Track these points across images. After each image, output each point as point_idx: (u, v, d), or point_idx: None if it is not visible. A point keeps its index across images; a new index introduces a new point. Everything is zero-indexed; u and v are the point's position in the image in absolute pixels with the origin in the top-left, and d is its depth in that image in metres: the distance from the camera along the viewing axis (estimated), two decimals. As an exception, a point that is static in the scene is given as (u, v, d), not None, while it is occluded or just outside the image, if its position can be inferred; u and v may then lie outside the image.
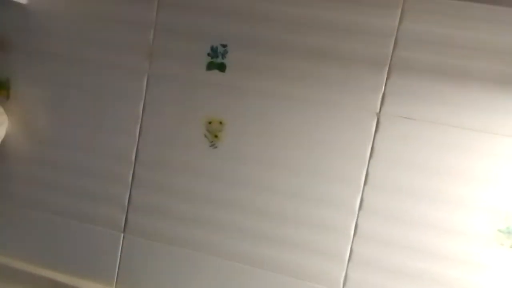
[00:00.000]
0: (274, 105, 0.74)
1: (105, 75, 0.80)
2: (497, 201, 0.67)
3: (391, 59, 0.69)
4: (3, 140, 0.85)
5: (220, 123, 0.76)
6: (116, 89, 0.80)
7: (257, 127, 0.74)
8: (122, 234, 0.82)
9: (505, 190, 0.66)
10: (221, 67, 0.74)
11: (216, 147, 0.76)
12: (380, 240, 0.71)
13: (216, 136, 0.76)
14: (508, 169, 0.66)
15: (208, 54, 0.75)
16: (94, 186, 0.82)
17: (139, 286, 0.82)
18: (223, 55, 0.74)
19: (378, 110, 0.70)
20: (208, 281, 0.79)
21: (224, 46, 0.74)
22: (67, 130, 0.83)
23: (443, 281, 0.69)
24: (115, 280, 0.83)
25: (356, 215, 0.72)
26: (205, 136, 0.76)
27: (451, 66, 0.67)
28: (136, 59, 0.78)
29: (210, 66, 0.75)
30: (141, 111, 0.79)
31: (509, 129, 0.66)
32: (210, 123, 0.76)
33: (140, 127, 0.79)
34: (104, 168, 0.82)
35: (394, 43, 0.68)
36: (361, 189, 0.71)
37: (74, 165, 0.83)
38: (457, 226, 0.68)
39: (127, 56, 0.78)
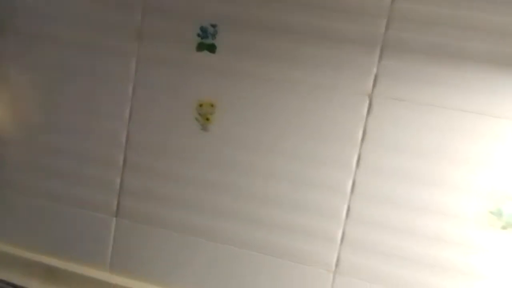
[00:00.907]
0: (266, 87, 0.73)
1: (94, 57, 0.78)
2: (488, 183, 0.66)
3: (383, 40, 0.67)
4: (-8, 125, 0.84)
5: (212, 105, 0.75)
6: (105, 72, 0.78)
7: (249, 110, 0.74)
8: (115, 218, 0.82)
9: (497, 172, 0.66)
10: (211, 48, 0.73)
11: (207, 130, 0.75)
12: (372, 222, 0.71)
13: (207, 119, 0.75)
14: (500, 151, 0.66)
15: (198, 35, 0.73)
16: (85, 171, 0.82)
17: (133, 270, 0.82)
18: (213, 35, 0.73)
19: (370, 92, 0.69)
20: (201, 264, 0.79)
21: (214, 26, 0.72)
22: (57, 114, 0.82)
23: (435, 262, 0.69)
24: (108, 264, 0.83)
25: (348, 198, 0.72)
26: (196, 119, 0.75)
27: (445, 46, 0.66)
28: (125, 40, 0.76)
29: (200, 47, 0.73)
30: (130, 94, 0.78)
31: (504, 111, 0.65)
32: (201, 105, 0.75)
33: (130, 111, 0.78)
34: (95, 152, 0.81)
35: (387, 23, 0.67)
36: (354, 172, 0.71)
37: (65, 150, 0.82)
38: (450, 208, 0.68)
39: (115, 37, 0.77)
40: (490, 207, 0.66)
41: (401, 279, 0.71)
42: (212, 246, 0.78)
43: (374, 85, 0.69)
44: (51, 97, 0.81)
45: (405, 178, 0.69)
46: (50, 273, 0.84)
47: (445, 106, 0.67)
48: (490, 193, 0.66)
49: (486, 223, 0.66)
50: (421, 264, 0.70)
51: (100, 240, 0.83)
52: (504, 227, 0.66)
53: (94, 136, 0.81)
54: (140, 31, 0.76)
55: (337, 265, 0.73)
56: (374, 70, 0.68)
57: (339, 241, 0.73)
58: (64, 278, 0.84)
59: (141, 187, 0.80)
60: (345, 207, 0.72)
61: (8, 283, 0.83)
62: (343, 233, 0.73)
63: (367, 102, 0.69)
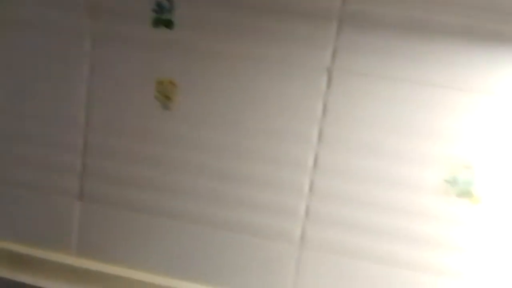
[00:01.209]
0: (226, 63, 0.72)
1: (46, 37, 0.75)
2: (444, 153, 0.68)
3: (341, 13, 0.67)
4: None
5: (172, 83, 0.73)
6: (59, 52, 0.76)
7: (210, 87, 0.73)
8: (78, 202, 0.81)
9: (451, 142, 0.68)
10: (169, 24, 0.71)
11: (169, 109, 0.74)
12: (335, 195, 0.72)
13: (168, 98, 0.74)
14: (453, 122, 0.67)
15: (153, 10, 0.71)
16: (46, 155, 0.80)
17: (99, 253, 0.81)
18: (170, 11, 0.71)
19: (330, 66, 0.69)
20: (167, 245, 0.79)
21: (169, 0, 0.70)
22: (14, 97, 0.79)
23: (396, 232, 0.71)
24: (75, 248, 0.82)
25: (311, 173, 0.73)
26: (156, 98, 0.74)
27: (409, 18, 0.66)
28: (78, 18, 0.74)
29: (157, 23, 0.71)
30: (87, 74, 0.76)
31: (458, 82, 0.67)
32: (161, 84, 0.74)
33: (88, 92, 0.76)
34: (55, 136, 0.79)
35: (344, -4, 0.67)
36: (315, 147, 0.72)
37: (24, 134, 0.80)
38: (408, 179, 0.70)
39: (67, 15, 0.74)
40: (446, 176, 0.68)
41: (365, 250, 0.73)
42: (178, 226, 0.78)
43: (333, 59, 0.69)
44: (5, 79, 0.78)
45: (366, 151, 0.70)
46: (15, 259, 0.83)
47: (405, 79, 0.68)
48: (445, 163, 0.68)
49: (442, 191, 0.69)
50: (383, 234, 0.72)
51: (65, 224, 0.82)
52: (459, 195, 0.68)
53: (53, 120, 0.78)
54: (93, 8, 0.73)
55: (302, 239, 0.75)
56: (333, 43, 0.68)
57: (303, 216, 0.74)
58: (30, 264, 0.82)
59: (104, 169, 0.78)
60: (308, 181, 0.73)
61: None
62: (307, 207, 0.74)
63: (327, 76, 0.69)
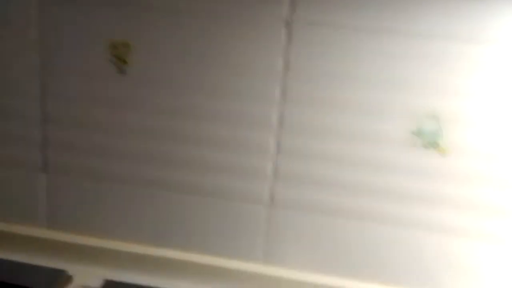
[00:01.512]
0: (183, 22, 0.68)
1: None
2: (410, 103, 0.66)
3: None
4: None
5: (126, 45, 0.70)
6: (2, 15, 0.71)
7: (167, 48, 0.69)
8: (45, 174, 0.79)
9: (417, 92, 0.66)
10: (118, -19, 0.67)
11: (125, 72, 0.71)
12: (302, 153, 0.71)
13: (123, 61, 0.70)
14: (417, 71, 0.65)
15: (97, -34, 0.67)
16: (3, 127, 0.77)
17: (70, 224, 0.80)
18: (115, -34, 0.66)
19: (287, 18, 0.66)
20: (137, 212, 0.78)
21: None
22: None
23: (364, 186, 0.71)
24: (45, 221, 0.81)
25: (276, 131, 0.71)
26: (111, 61, 0.71)
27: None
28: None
29: (102, -20, 0.67)
30: (36, 39, 0.72)
31: (424, 30, 0.64)
32: (114, 46, 0.70)
33: (40, 57, 0.73)
34: (11, 107, 0.76)
35: None
36: (278, 105, 0.69)
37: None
38: (375, 131, 0.68)
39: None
40: (412, 128, 0.67)
41: (336, 206, 0.72)
42: (146, 192, 0.77)
43: (292, 10, 0.65)
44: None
45: (332, 106, 0.68)
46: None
47: (368, 29, 0.64)
48: (411, 114, 0.66)
49: (408, 143, 0.67)
50: (353, 189, 0.71)
51: (34, 198, 0.80)
52: (426, 146, 0.67)
53: (8, 90, 0.75)
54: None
55: (271, 199, 0.74)
56: (290, -6, 0.64)
57: (271, 175, 0.73)
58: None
59: (64, 138, 0.76)
60: (274, 141, 0.71)
61: None
62: (275, 167, 0.73)
63: (286, 30, 0.66)
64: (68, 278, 0.75)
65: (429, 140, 0.67)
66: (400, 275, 0.74)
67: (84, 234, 0.80)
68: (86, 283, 0.74)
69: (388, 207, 0.71)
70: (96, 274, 0.76)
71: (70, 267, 0.77)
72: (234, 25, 0.67)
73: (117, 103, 0.73)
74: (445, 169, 0.68)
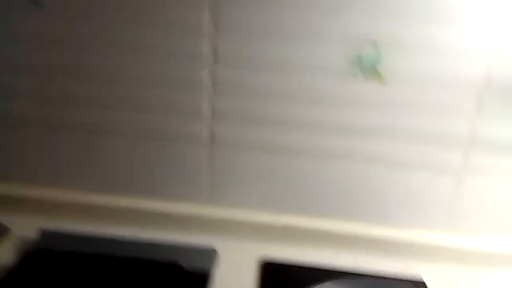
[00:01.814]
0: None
1: None
2: (348, 29, 0.63)
3: None
4: None
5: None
6: None
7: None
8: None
9: (354, 16, 0.62)
10: None
11: (42, 5, 0.64)
12: (239, 90, 0.67)
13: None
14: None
15: None
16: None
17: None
18: None
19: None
20: (79, 159, 0.74)
21: None
22: None
23: (305, 120, 0.68)
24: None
25: (212, 67, 0.67)
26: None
27: None
28: None
29: None
30: None
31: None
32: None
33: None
34: None
35: None
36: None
37: None
38: (313, 62, 0.65)
39: None
40: (351, 56, 0.63)
41: (277, 142, 0.70)
42: (87, 139, 0.73)
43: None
44: None
45: (266, 34, 0.64)
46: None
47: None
48: (349, 40, 0.63)
49: (348, 72, 0.64)
50: (293, 124, 0.69)
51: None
52: (365, 76, 0.64)
53: None
54: None
55: (211, 139, 0.71)
56: None
57: (209, 115, 0.70)
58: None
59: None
60: (210, 76, 0.67)
61: None
62: (212, 106, 0.69)
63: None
64: (6, 230, 0.72)
65: (368, 68, 0.64)
66: (341, 207, 0.74)
67: (28, 184, 0.76)
68: (23, 234, 0.72)
69: (328, 140, 0.69)
70: (35, 224, 0.73)
71: (6, 219, 0.74)
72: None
73: (31, 39, 0.66)
74: (385, 99, 0.66)
